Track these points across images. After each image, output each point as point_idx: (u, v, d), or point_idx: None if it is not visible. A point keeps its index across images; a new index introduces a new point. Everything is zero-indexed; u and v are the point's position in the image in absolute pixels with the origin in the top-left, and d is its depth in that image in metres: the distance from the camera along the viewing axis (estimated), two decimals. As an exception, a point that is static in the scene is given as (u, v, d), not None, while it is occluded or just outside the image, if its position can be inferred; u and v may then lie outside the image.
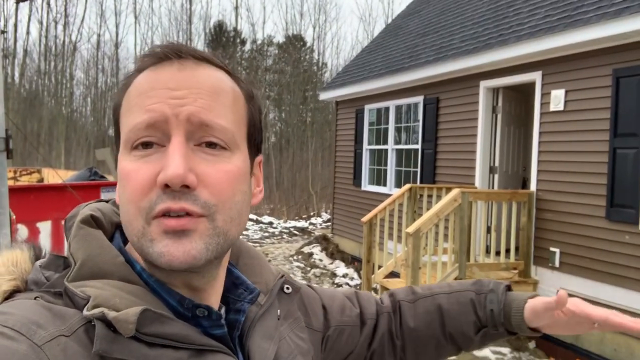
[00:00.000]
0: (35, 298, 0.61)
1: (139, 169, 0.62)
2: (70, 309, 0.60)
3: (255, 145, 0.73)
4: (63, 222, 0.72)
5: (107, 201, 0.76)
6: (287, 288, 0.80)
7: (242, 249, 0.85)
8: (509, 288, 1.00)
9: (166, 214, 0.61)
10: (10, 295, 0.63)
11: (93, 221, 0.69)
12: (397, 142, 9.31)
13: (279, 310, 0.81)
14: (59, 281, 0.64)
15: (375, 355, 1.01)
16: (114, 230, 0.73)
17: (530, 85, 6.51)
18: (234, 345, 0.72)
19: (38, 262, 0.68)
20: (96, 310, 0.58)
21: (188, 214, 0.61)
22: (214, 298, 0.72)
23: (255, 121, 0.73)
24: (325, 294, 1.01)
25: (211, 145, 0.64)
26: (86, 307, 0.59)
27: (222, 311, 0.74)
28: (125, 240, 0.70)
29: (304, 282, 8.94)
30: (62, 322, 0.58)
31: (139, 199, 0.62)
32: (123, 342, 0.58)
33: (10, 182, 7.95)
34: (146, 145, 0.63)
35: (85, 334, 0.58)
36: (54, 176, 7.23)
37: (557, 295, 0.86)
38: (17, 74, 26.25)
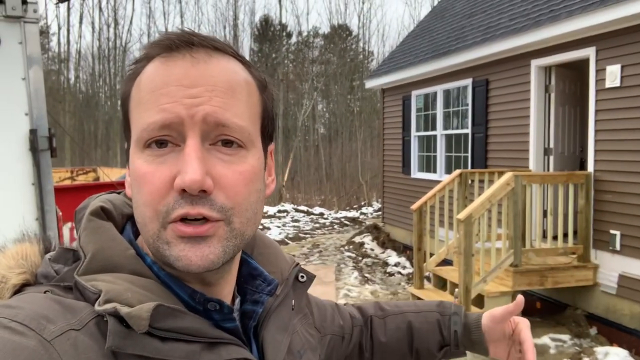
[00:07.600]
0: (45, 292, 0.60)
1: (155, 171, 0.61)
2: (80, 302, 0.59)
3: (268, 135, 0.71)
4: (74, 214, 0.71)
5: (118, 192, 0.75)
6: (302, 277, 0.78)
7: (256, 238, 0.84)
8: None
9: (183, 219, 0.60)
10: (20, 289, 0.63)
11: (103, 213, 0.68)
12: (446, 127, 9.11)
13: (293, 301, 0.80)
14: (69, 275, 0.63)
15: None
16: (125, 222, 0.71)
17: (584, 62, 6.23)
18: (250, 335, 0.72)
19: (47, 255, 0.67)
20: (108, 306, 0.57)
21: (205, 218, 0.61)
22: (226, 291, 0.71)
23: (269, 111, 0.71)
24: (317, 301, 1.02)
25: (227, 143, 0.63)
26: (98, 302, 0.58)
27: (237, 301, 0.74)
28: (136, 232, 0.69)
29: (356, 272, 8.92)
30: (72, 315, 0.57)
31: (157, 202, 0.60)
32: (136, 338, 0.57)
33: (68, 182, 8.24)
34: (160, 143, 0.61)
35: (96, 327, 0.57)
36: (109, 174, 7.44)
37: (517, 298, 0.97)
38: (72, 77, 27.18)
